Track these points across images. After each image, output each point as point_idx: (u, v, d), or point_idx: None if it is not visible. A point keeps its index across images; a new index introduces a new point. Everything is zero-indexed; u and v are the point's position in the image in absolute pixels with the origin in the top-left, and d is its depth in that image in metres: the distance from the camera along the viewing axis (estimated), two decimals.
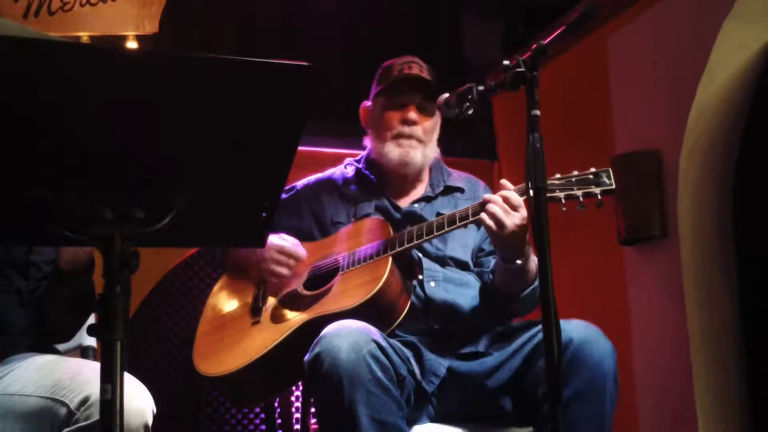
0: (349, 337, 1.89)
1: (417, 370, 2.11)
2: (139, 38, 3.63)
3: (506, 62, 1.76)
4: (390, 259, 2.15)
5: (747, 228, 3.35)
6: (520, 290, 2.20)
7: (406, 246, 2.17)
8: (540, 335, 2.06)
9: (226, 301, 2.40)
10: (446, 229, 2.14)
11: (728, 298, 3.33)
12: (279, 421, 3.74)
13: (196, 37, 4.26)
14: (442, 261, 2.32)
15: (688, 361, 3.24)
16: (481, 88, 1.95)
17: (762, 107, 3.32)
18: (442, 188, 2.47)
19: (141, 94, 1.18)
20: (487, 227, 2.06)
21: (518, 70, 1.72)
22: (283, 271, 2.29)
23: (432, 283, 2.25)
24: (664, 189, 3.39)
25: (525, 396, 2.08)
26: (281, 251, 2.29)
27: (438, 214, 2.33)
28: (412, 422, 2.09)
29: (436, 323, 2.22)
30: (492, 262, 2.31)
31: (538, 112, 1.67)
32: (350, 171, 2.53)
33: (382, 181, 2.46)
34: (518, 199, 2.05)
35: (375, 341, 1.91)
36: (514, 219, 2.04)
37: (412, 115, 2.39)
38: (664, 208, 3.39)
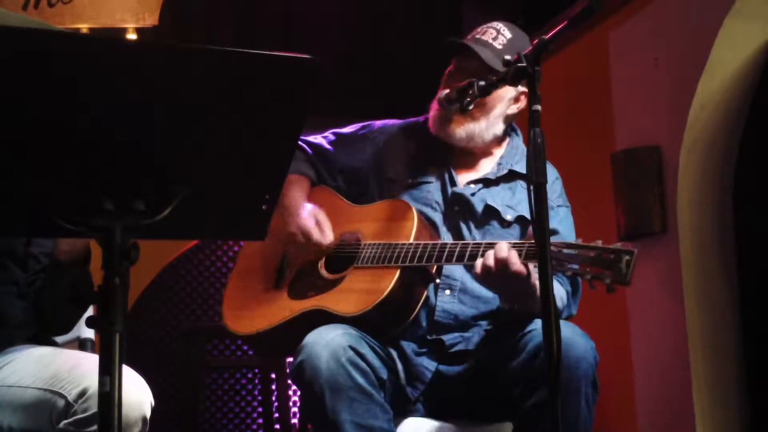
0: (328, 346, 1.92)
1: (402, 374, 2.12)
2: (139, 31, 3.62)
3: (507, 57, 1.76)
4: (398, 272, 2.09)
5: (747, 225, 3.35)
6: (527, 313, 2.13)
7: (416, 264, 2.09)
8: (529, 334, 2.02)
9: (263, 244, 2.37)
10: (453, 262, 2.06)
11: (728, 294, 3.33)
12: (276, 414, 3.75)
13: (196, 29, 4.25)
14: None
15: (686, 358, 3.24)
16: (482, 83, 1.94)
17: (763, 104, 3.31)
18: (505, 171, 2.29)
19: (142, 86, 1.18)
20: (476, 272, 1.99)
21: (520, 65, 1.71)
22: (294, 250, 2.28)
23: (447, 291, 2.18)
24: (664, 185, 3.39)
25: (505, 392, 2.06)
26: (306, 235, 2.24)
27: (486, 205, 2.24)
28: (399, 416, 2.11)
29: (433, 334, 2.17)
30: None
31: (539, 108, 1.67)
32: (423, 127, 2.36)
33: (449, 147, 2.31)
34: (517, 266, 1.93)
35: (352, 347, 1.93)
36: (501, 280, 1.95)
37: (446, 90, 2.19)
38: (663, 204, 3.39)
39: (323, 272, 2.25)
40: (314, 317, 2.11)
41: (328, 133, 2.46)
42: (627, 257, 1.85)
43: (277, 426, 3.73)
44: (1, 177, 1.20)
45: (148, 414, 1.71)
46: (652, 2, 3.53)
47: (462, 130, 2.25)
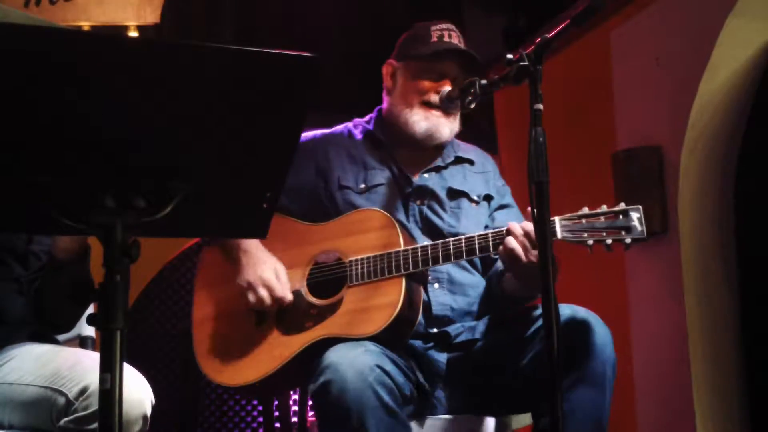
0: (353, 365, 1.89)
1: (419, 373, 2.13)
2: (140, 28, 3.62)
3: (509, 56, 1.76)
4: (403, 280, 2.08)
5: (748, 225, 3.35)
6: (529, 297, 2.19)
7: (421, 269, 2.09)
8: (539, 321, 2.06)
9: (223, 288, 2.26)
10: (464, 257, 2.08)
11: (728, 294, 3.33)
12: (276, 413, 3.75)
13: (197, 27, 4.25)
14: None
15: (687, 357, 3.24)
16: (484, 81, 1.94)
17: (764, 104, 3.31)
18: (452, 158, 2.39)
19: (143, 83, 1.18)
20: (503, 261, 2.03)
21: (522, 63, 1.71)
22: (258, 306, 2.16)
23: (436, 285, 2.21)
24: (665, 185, 3.39)
25: (525, 380, 2.08)
26: (268, 288, 2.15)
27: (448, 189, 2.29)
28: (421, 414, 2.12)
29: (434, 327, 2.20)
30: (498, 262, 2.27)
31: (541, 107, 1.67)
32: (358, 131, 2.41)
33: (394, 146, 2.36)
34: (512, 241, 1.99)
35: (379, 366, 1.92)
36: (531, 257, 1.98)
37: (447, 88, 2.28)
38: (664, 204, 3.39)
39: (312, 299, 2.17)
40: (323, 347, 2.04)
41: None
42: (636, 214, 1.97)
43: (277, 424, 3.72)
44: (2, 174, 1.20)
45: (149, 412, 1.71)
46: (654, 2, 3.52)
47: (448, 129, 2.32)
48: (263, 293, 2.14)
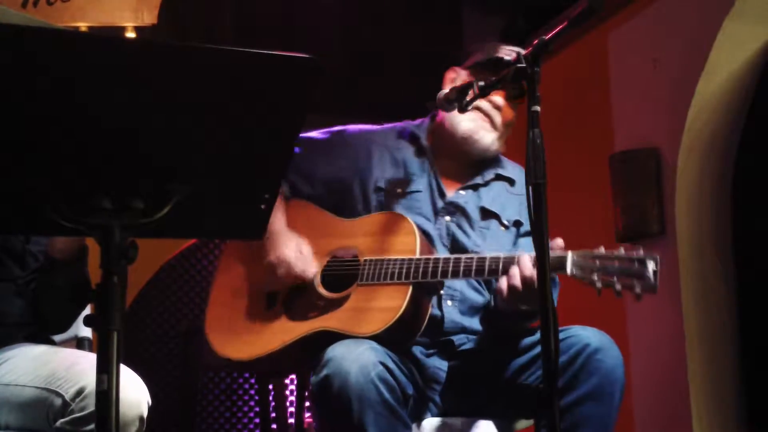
0: (357, 361, 1.89)
1: (418, 378, 2.13)
2: (137, 29, 3.62)
3: (507, 57, 1.76)
4: (410, 288, 2.07)
5: (745, 226, 3.36)
6: (525, 319, 2.17)
7: (430, 280, 2.08)
8: (568, 338, 2.06)
9: (244, 268, 2.29)
10: (473, 276, 2.07)
11: (725, 296, 3.33)
12: (273, 414, 3.75)
13: (195, 28, 4.25)
14: None
15: (684, 359, 3.25)
16: (481, 83, 1.94)
17: (761, 106, 3.32)
18: (492, 176, 2.34)
19: (141, 85, 1.18)
20: (499, 292, 2.01)
21: (520, 65, 1.71)
22: (279, 284, 2.20)
23: (449, 302, 2.20)
24: (662, 187, 3.39)
25: (527, 390, 2.10)
26: (288, 268, 2.16)
27: (481, 208, 2.27)
28: (418, 417, 2.12)
29: (441, 338, 2.19)
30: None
31: (538, 108, 1.67)
32: (406, 134, 2.38)
33: (437, 155, 2.32)
34: (529, 268, 1.96)
35: (382, 363, 1.91)
36: (527, 295, 1.96)
37: (499, 99, 2.25)
38: (662, 205, 3.39)
39: (322, 291, 2.17)
40: (320, 339, 2.06)
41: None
42: (652, 264, 1.86)
43: (274, 426, 3.72)
44: (0, 175, 1.20)
45: (146, 413, 1.71)
46: (652, 4, 3.53)
47: (490, 138, 2.28)
48: (283, 272, 2.16)
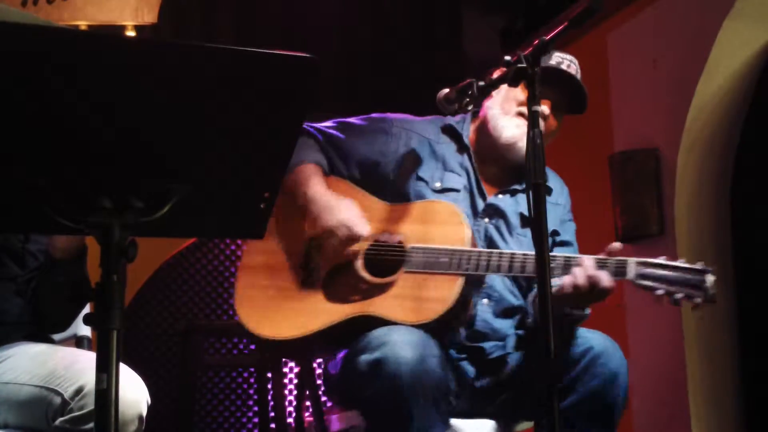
0: (415, 349, 1.88)
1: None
2: (137, 28, 3.62)
3: (508, 57, 1.76)
4: (462, 281, 2.05)
5: (745, 227, 3.36)
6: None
7: (483, 273, 2.07)
8: (587, 349, 2.07)
9: (277, 240, 2.20)
10: (525, 274, 2.06)
11: (725, 296, 3.33)
12: (272, 414, 3.75)
13: (195, 27, 4.24)
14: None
15: (683, 360, 3.25)
16: (481, 83, 1.94)
17: (761, 106, 3.32)
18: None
19: (141, 83, 1.18)
20: (575, 286, 1.99)
21: (520, 65, 1.71)
22: (336, 247, 2.10)
23: (485, 301, 2.18)
24: (662, 187, 3.40)
25: (531, 390, 2.09)
26: (350, 228, 2.08)
27: (521, 214, 2.24)
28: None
29: (469, 341, 2.18)
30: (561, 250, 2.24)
31: (539, 108, 1.67)
32: (447, 129, 2.33)
33: (479, 156, 2.28)
34: (607, 283, 1.98)
35: (438, 357, 1.92)
36: (592, 297, 1.99)
37: (545, 108, 2.19)
38: (661, 205, 3.39)
39: (365, 274, 2.12)
40: (361, 323, 2.03)
41: (333, 122, 2.33)
42: (712, 277, 1.97)
43: (273, 425, 3.72)
44: (0, 173, 1.20)
45: (145, 412, 1.71)
46: (652, 4, 3.53)
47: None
48: (344, 233, 2.08)
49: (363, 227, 2.09)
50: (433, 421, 1.90)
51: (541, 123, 2.19)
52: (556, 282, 2.02)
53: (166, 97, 1.20)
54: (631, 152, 3.51)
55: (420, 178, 2.22)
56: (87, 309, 2.09)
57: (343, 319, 2.08)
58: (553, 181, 2.38)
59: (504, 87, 2.18)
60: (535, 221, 1.63)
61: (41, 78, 1.13)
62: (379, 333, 1.94)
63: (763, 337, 3.26)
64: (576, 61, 2.28)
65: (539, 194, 1.62)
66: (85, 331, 2.23)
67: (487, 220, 2.23)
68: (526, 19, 4.38)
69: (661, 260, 1.99)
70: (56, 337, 2.07)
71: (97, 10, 3.54)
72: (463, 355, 2.17)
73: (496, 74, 2.08)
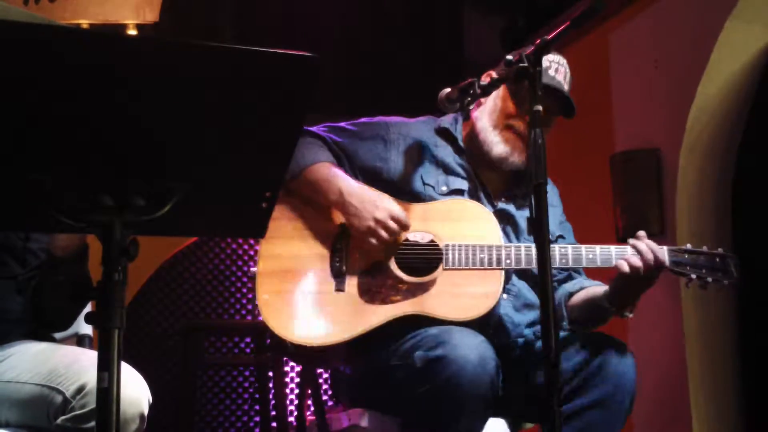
0: (476, 351, 1.88)
1: None
2: (139, 27, 3.62)
3: (509, 57, 1.76)
4: (503, 274, 2.07)
5: (745, 227, 3.36)
6: (591, 327, 2.18)
7: (523, 267, 2.08)
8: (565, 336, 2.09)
9: (297, 243, 2.14)
10: (569, 265, 2.08)
11: (725, 296, 3.33)
12: (273, 412, 3.75)
13: (196, 26, 4.25)
14: (523, 271, 2.22)
15: (683, 359, 3.25)
16: (483, 82, 1.94)
17: (762, 107, 3.32)
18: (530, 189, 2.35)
19: (142, 82, 1.18)
20: (623, 274, 2.02)
21: (521, 65, 1.71)
22: (387, 239, 2.06)
23: (505, 296, 2.18)
24: (662, 187, 3.40)
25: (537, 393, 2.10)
26: (395, 218, 2.06)
27: (529, 219, 2.24)
28: None
29: (487, 334, 2.15)
30: (571, 283, 2.26)
31: (540, 108, 1.67)
32: (442, 130, 2.31)
33: (474, 159, 2.27)
34: (663, 256, 2.03)
35: (495, 361, 1.91)
36: (650, 278, 2.03)
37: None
38: (662, 206, 3.39)
39: (401, 274, 2.09)
40: (408, 323, 2.02)
41: (325, 126, 2.30)
42: (733, 261, 2.11)
43: (274, 423, 3.73)
44: (1, 171, 1.20)
45: (146, 410, 1.71)
46: (653, 4, 3.53)
47: (519, 159, 2.23)
48: (393, 225, 2.06)
49: (407, 218, 2.08)
50: (480, 423, 1.92)
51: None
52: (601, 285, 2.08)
53: (167, 95, 1.20)
54: (632, 152, 3.51)
55: (426, 184, 2.21)
56: (88, 308, 2.10)
57: (391, 318, 2.06)
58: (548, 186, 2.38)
59: (492, 98, 2.22)
60: (536, 221, 1.63)
61: (42, 76, 1.13)
62: (436, 331, 1.94)
63: (763, 337, 3.26)
64: (565, 63, 2.31)
65: (540, 194, 1.62)
66: (87, 329, 2.23)
67: (524, 242, 2.22)
68: (527, 19, 4.38)
69: (688, 247, 2.09)
70: (57, 335, 2.08)
71: (99, 8, 3.54)
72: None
73: (497, 74, 2.09)
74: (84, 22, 3.52)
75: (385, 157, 2.24)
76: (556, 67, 2.27)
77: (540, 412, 2.12)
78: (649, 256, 2.01)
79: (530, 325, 2.23)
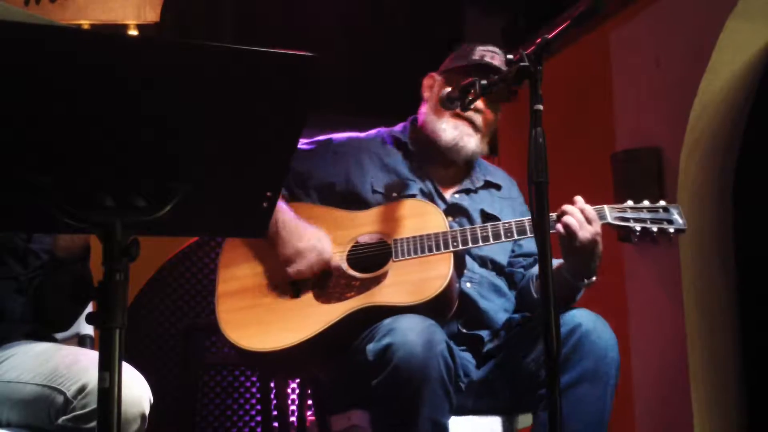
0: (423, 334, 1.89)
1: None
2: (140, 27, 3.62)
3: (510, 56, 1.76)
4: (451, 256, 2.10)
5: (746, 226, 3.35)
6: (562, 302, 2.18)
7: (470, 246, 2.12)
8: (575, 328, 2.08)
9: (251, 265, 2.25)
10: (515, 237, 2.12)
11: (726, 295, 3.33)
12: (275, 412, 3.75)
13: (197, 26, 4.25)
14: (482, 261, 2.29)
15: (685, 359, 3.24)
16: (484, 82, 1.94)
17: (764, 106, 3.31)
18: (482, 183, 2.40)
19: (143, 82, 1.18)
20: (561, 237, 2.06)
21: (522, 64, 1.71)
22: (308, 272, 2.17)
23: (468, 284, 2.23)
24: (664, 186, 3.39)
25: (527, 381, 2.11)
26: (316, 252, 2.16)
27: (481, 211, 2.32)
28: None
29: (463, 326, 2.22)
30: (533, 269, 2.30)
31: (541, 107, 1.67)
32: (391, 140, 2.41)
33: (425, 160, 2.36)
34: (593, 213, 2.07)
35: (446, 342, 1.92)
36: (586, 233, 2.04)
37: (479, 102, 2.25)
38: None
39: (354, 273, 2.17)
40: (363, 318, 2.06)
41: None
42: (676, 210, 2.15)
43: (275, 424, 3.73)
44: (2, 172, 1.20)
45: (147, 411, 1.71)
46: (654, 3, 3.52)
47: (474, 143, 2.31)
48: (312, 257, 2.15)
49: (330, 254, 2.17)
50: (443, 407, 1.90)
51: (478, 118, 2.29)
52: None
53: (168, 95, 1.20)
54: (634, 151, 3.51)
55: (376, 191, 2.29)
56: (90, 308, 2.10)
57: (345, 314, 2.10)
58: (499, 176, 2.47)
59: (434, 91, 2.33)
60: (538, 220, 1.63)
61: (43, 77, 1.13)
62: (385, 322, 1.96)
63: (765, 336, 3.26)
64: (499, 51, 2.35)
65: (541, 193, 1.62)
66: (88, 329, 2.23)
67: (450, 218, 2.27)
68: (527, 19, 4.38)
69: (629, 203, 2.16)
70: (59, 335, 2.08)
71: (100, 9, 3.54)
72: (463, 347, 2.20)
73: (452, 63, 2.20)
74: (84, 23, 3.51)
75: (335, 172, 2.32)
76: (492, 55, 2.33)
77: (529, 401, 2.13)
78: (578, 215, 2.05)
79: (505, 311, 2.27)
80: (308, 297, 2.18)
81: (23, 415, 1.76)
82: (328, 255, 2.16)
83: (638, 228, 2.10)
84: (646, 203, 2.16)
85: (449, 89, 2.14)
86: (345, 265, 2.18)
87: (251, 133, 1.29)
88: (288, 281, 2.21)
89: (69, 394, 1.68)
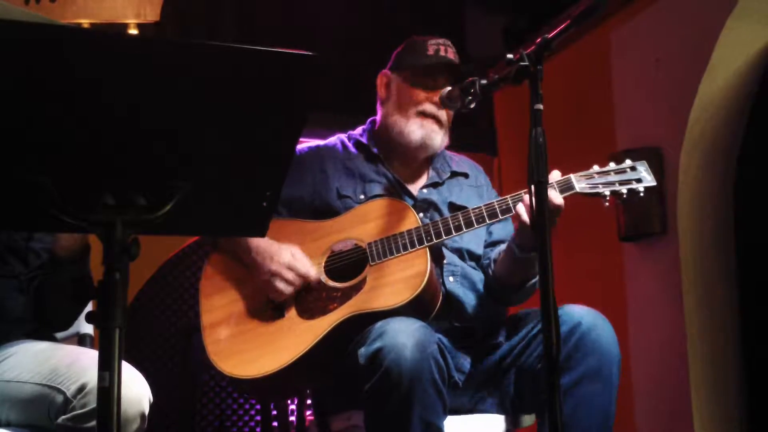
0: (414, 336, 1.89)
1: (450, 362, 2.14)
2: (140, 26, 3.62)
3: (510, 56, 1.76)
4: (428, 251, 2.10)
5: (747, 226, 3.35)
6: (520, 282, 2.22)
7: (444, 238, 2.13)
8: (574, 326, 2.08)
9: (232, 292, 2.25)
10: (487, 222, 2.12)
11: (727, 295, 3.33)
12: (274, 412, 3.75)
13: (197, 25, 4.25)
14: (459, 253, 2.30)
15: (685, 358, 3.24)
16: (484, 81, 1.94)
17: (764, 106, 3.31)
18: (448, 174, 2.42)
19: (143, 81, 1.18)
20: (522, 220, 2.06)
21: (522, 64, 1.71)
22: (288, 291, 2.16)
23: (451, 278, 2.24)
24: (664, 186, 3.39)
25: (530, 382, 2.11)
26: (292, 269, 2.16)
27: (449, 203, 2.33)
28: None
29: (455, 321, 2.22)
30: (492, 252, 2.31)
31: (541, 107, 1.66)
32: (351, 144, 2.43)
33: (387, 159, 2.38)
34: (557, 200, 2.06)
35: (437, 343, 1.92)
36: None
37: (436, 98, 2.28)
38: (664, 204, 3.39)
39: (334, 284, 2.17)
40: (350, 327, 2.06)
41: None
42: (643, 167, 2.15)
43: (275, 423, 3.73)
44: (2, 171, 1.20)
45: (147, 410, 1.71)
46: (654, 3, 3.52)
47: (440, 139, 2.35)
48: (289, 275, 2.15)
49: (307, 269, 2.16)
50: (436, 408, 1.90)
51: (442, 113, 2.32)
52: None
53: (168, 94, 1.20)
54: (634, 151, 3.50)
55: (344, 196, 2.30)
56: (89, 307, 2.10)
57: (331, 327, 2.10)
58: (466, 165, 2.50)
59: (394, 92, 2.37)
60: (538, 220, 1.63)
61: (43, 76, 1.13)
62: (376, 326, 1.96)
63: (765, 335, 3.26)
64: (449, 42, 2.39)
65: (541, 193, 1.62)
66: (88, 329, 2.23)
67: (421, 215, 2.27)
68: (528, 18, 4.38)
69: (595, 168, 2.17)
70: (59, 335, 2.08)
71: (100, 8, 3.54)
72: (459, 343, 2.20)
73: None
74: (85, 22, 3.51)
75: (302, 185, 2.32)
76: (445, 48, 2.37)
77: (533, 401, 2.13)
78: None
79: (482, 301, 2.27)
80: (292, 315, 2.17)
81: (23, 414, 1.76)
82: (305, 270, 2.16)
83: (607, 192, 2.09)
84: (612, 165, 2.17)
85: (450, 89, 2.14)
86: (324, 277, 2.19)
87: (251, 133, 1.29)
88: (263, 303, 2.20)
89: (69, 393, 1.68)
